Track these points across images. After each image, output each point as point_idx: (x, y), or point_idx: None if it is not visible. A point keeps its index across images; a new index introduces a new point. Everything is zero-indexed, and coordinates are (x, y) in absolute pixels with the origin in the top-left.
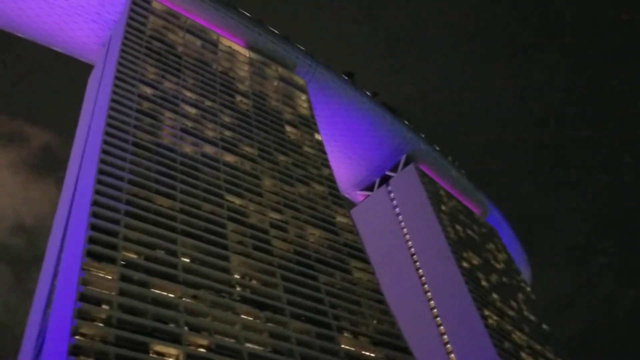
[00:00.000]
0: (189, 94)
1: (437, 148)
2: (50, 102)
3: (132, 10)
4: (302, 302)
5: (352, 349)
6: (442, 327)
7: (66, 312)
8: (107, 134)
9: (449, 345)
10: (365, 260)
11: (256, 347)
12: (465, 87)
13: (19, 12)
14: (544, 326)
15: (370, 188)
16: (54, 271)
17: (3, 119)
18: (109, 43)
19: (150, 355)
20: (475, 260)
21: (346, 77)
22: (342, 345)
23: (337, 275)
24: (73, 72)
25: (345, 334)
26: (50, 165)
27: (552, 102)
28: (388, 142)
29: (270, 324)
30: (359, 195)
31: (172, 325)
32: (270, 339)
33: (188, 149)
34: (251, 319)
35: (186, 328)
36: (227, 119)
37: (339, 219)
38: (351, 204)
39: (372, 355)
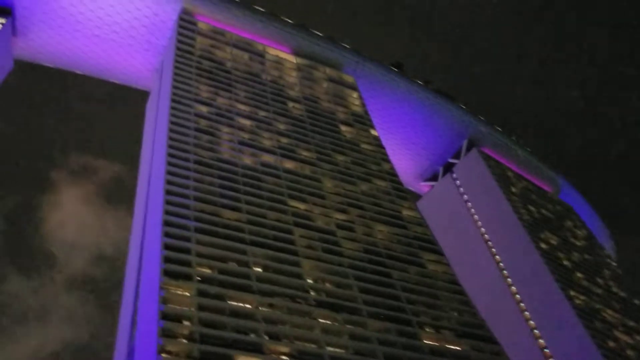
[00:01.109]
0: (242, 106)
1: (499, 129)
2: (115, 134)
3: (179, 34)
4: (378, 300)
5: (436, 343)
6: (526, 313)
7: (151, 332)
8: (170, 155)
9: (536, 331)
10: (438, 252)
11: (337, 350)
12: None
13: (76, 50)
14: (636, 301)
15: (434, 178)
16: (135, 293)
17: (74, 155)
18: (162, 68)
19: None
20: (554, 240)
21: (395, 69)
22: (425, 341)
23: (410, 270)
24: (132, 103)
25: (427, 329)
26: (121, 195)
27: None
28: (447, 128)
29: (349, 326)
30: (423, 187)
31: (252, 335)
32: (351, 340)
33: (248, 160)
34: (329, 322)
35: (266, 337)
36: (282, 127)
37: (406, 212)
38: (416, 196)
39: (457, 348)
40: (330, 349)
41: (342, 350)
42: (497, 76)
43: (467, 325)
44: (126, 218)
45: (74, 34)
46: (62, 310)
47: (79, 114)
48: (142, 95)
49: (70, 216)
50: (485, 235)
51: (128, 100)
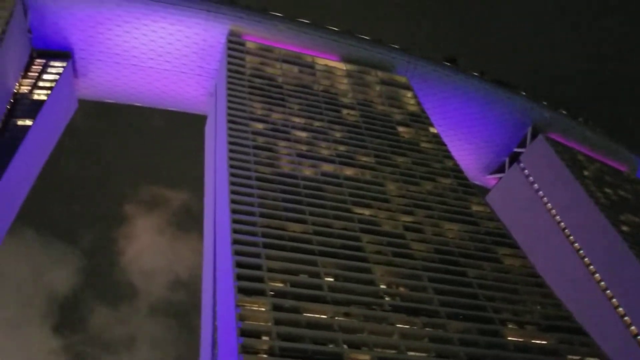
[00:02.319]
0: (297, 119)
1: (564, 112)
2: (178, 162)
3: (229, 55)
4: (455, 300)
5: (520, 339)
6: (614, 300)
7: (232, 349)
8: (232, 174)
9: (626, 318)
10: (514, 246)
11: (418, 354)
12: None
13: (134, 83)
14: None
15: (500, 170)
16: (213, 313)
17: (144, 187)
18: (216, 91)
19: None
20: (636, 221)
21: (448, 63)
22: (509, 338)
23: (486, 267)
24: (191, 130)
25: (510, 326)
26: (191, 220)
27: None
28: (509, 118)
29: (428, 329)
30: (490, 180)
31: (331, 345)
32: (432, 343)
33: (308, 171)
34: (407, 326)
35: (345, 346)
36: (338, 135)
37: (475, 208)
38: (484, 191)
39: (544, 342)
40: (411, 353)
41: (424, 354)
42: (554, 57)
43: (552, 318)
44: (198, 242)
45: (130, 69)
46: (148, 337)
47: (141, 147)
48: (200, 121)
49: (145, 246)
50: (562, 224)
51: (187, 128)
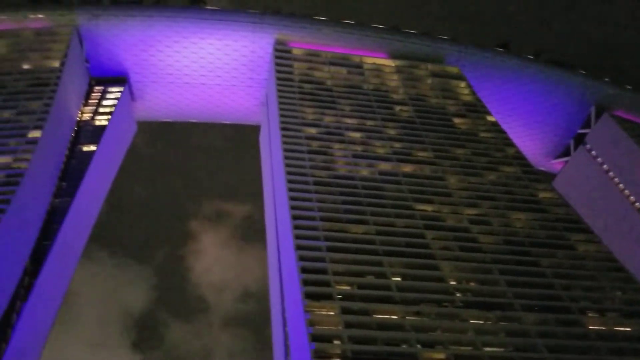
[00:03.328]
0: (350, 120)
1: (629, 87)
2: (237, 175)
3: (277, 64)
4: (529, 292)
5: (602, 327)
6: None
7: (304, 355)
8: (289, 181)
9: None
10: (587, 230)
11: (495, 349)
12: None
13: (188, 101)
14: None
15: (566, 153)
16: (283, 321)
17: (206, 202)
18: (267, 100)
19: None
20: None
21: (501, 49)
22: (590, 327)
23: (559, 255)
24: (247, 142)
25: (590, 314)
26: (255, 231)
27: None
28: (569, 99)
29: (503, 323)
30: (556, 165)
31: (404, 346)
32: (509, 337)
33: (365, 172)
34: (481, 322)
35: (419, 346)
36: (392, 132)
37: (543, 194)
38: (551, 176)
39: (627, 329)
40: (488, 349)
41: (501, 349)
42: (611, 31)
43: (635, 303)
44: (263, 252)
45: (184, 87)
46: (223, 349)
47: (200, 164)
48: (255, 132)
49: (213, 260)
50: (637, 204)
51: (243, 140)
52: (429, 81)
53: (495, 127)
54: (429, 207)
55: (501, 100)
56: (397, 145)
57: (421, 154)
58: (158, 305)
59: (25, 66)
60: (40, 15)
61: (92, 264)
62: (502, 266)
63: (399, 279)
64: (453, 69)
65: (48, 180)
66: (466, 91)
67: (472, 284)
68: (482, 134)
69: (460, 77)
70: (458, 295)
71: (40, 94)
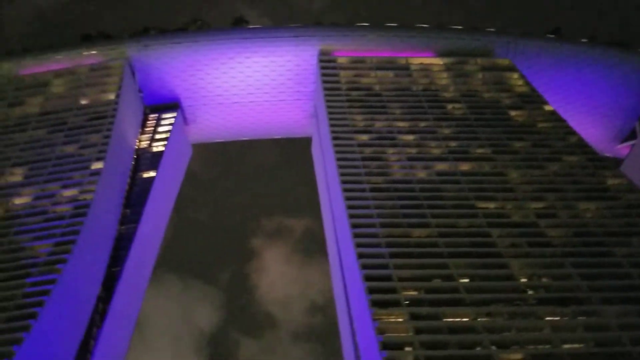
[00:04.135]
0: (401, 123)
1: None
2: (293, 190)
3: (323, 74)
4: (606, 284)
5: None
6: None
7: None
8: (345, 190)
9: None
10: None
11: (575, 345)
12: None
13: (238, 120)
14: None
15: (632, 136)
16: (351, 331)
17: (266, 220)
18: (316, 111)
19: None
20: None
21: (552, 35)
22: None
23: (635, 243)
24: (301, 156)
25: None
26: (316, 244)
27: None
28: (630, 79)
29: (581, 318)
30: (622, 149)
31: (478, 348)
32: (588, 333)
33: (422, 174)
34: (558, 318)
35: (494, 347)
36: (447, 131)
37: (611, 181)
38: (618, 162)
39: None
40: (567, 346)
41: (581, 345)
42: None
43: None
44: (325, 265)
45: (233, 107)
46: None
47: (256, 182)
48: (307, 145)
49: (276, 276)
50: None
51: (296, 154)
52: (480, 76)
53: (554, 116)
54: (491, 205)
55: (558, 89)
56: (452, 144)
57: (478, 150)
58: (228, 323)
59: (83, 101)
60: (93, 52)
61: (162, 287)
62: (575, 259)
63: (466, 280)
64: (504, 61)
65: (113, 209)
66: (520, 82)
67: (544, 279)
68: (541, 125)
69: (512, 69)
70: (530, 292)
71: (99, 127)
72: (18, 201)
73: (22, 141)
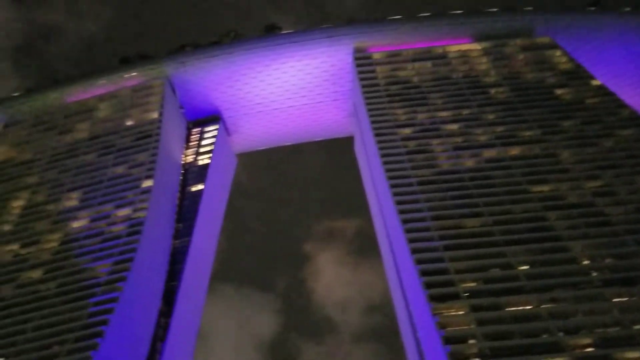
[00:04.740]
0: (444, 113)
1: None
2: (340, 191)
3: (359, 72)
4: None
5: None
6: None
7: (440, 359)
8: (392, 186)
9: None
10: None
11: None
12: None
13: (280, 126)
14: None
15: None
16: (412, 328)
17: (316, 224)
18: (356, 110)
19: None
20: None
21: (592, 8)
22: None
23: None
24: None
25: None
26: (368, 245)
27: None
28: None
29: None
30: None
31: (544, 336)
32: None
33: (470, 163)
34: (625, 299)
35: (561, 333)
36: (491, 117)
37: None
38: None
39: None
40: (637, 327)
41: None
42: None
43: None
44: (380, 264)
45: (273, 113)
46: None
47: (302, 188)
48: (349, 145)
49: (332, 279)
50: None
51: (340, 155)
52: (521, 57)
53: (603, 90)
54: (545, 187)
55: (604, 62)
56: (499, 129)
57: (527, 133)
58: (287, 329)
59: (128, 122)
60: (133, 73)
61: (220, 298)
62: (637, 236)
63: (526, 267)
64: (544, 40)
65: (166, 224)
66: (563, 59)
67: (608, 260)
68: (589, 101)
69: (553, 47)
70: (594, 274)
71: (146, 146)
72: (76, 225)
73: (74, 166)
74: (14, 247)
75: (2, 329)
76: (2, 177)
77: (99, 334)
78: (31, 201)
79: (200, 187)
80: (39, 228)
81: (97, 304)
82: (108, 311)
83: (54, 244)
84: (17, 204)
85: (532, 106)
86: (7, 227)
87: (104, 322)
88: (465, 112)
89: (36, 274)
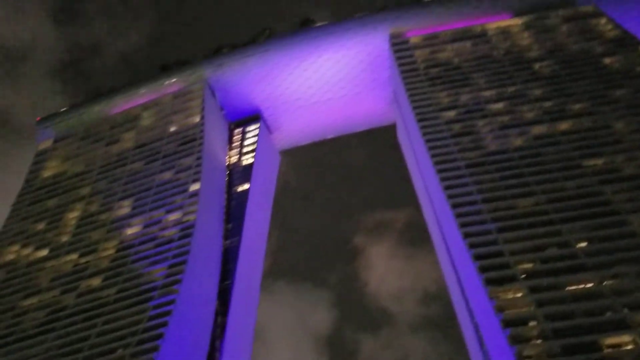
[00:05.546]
0: (488, 93)
1: None
2: (387, 182)
3: (397, 58)
4: None
5: None
6: None
7: (501, 343)
8: (439, 171)
9: None
10: None
11: None
12: None
13: (320, 120)
14: None
15: None
16: (469, 314)
17: (364, 217)
18: (396, 96)
19: (606, 351)
20: None
21: None
22: None
23: None
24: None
25: None
26: (419, 233)
27: None
28: None
29: None
30: None
31: (608, 313)
32: None
33: (518, 141)
34: None
35: (626, 309)
36: (538, 92)
37: None
38: None
39: None
40: None
41: None
42: None
43: None
44: (433, 252)
45: (312, 107)
46: (418, 354)
47: (348, 180)
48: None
49: (385, 270)
50: None
51: (383, 145)
52: (564, 28)
53: None
54: (599, 161)
55: None
56: (546, 104)
57: (576, 106)
58: (343, 323)
59: (172, 128)
60: (173, 80)
61: (273, 295)
62: None
63: (584, 244)
64: (587, 8)
65: (216, 226)
66: (609, 27)
67: None
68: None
69: (598, 15)
70: None
71: (190, 150)
72: (130, 231)
73: (124, 175)
74: (73, 257)
75: (67, 336)
76: (57, 191)
77: (159, 336)
78: (86, 212)
79: (246, 186)
80: (95, 237)
81: (155, 307)
82: (166, 313)
83: (111, 252)
84: (73, 215)
85: (580, 78)
86: (65, 238)
87: (163, 324)
88: (510, 89)
89: (96, 281)
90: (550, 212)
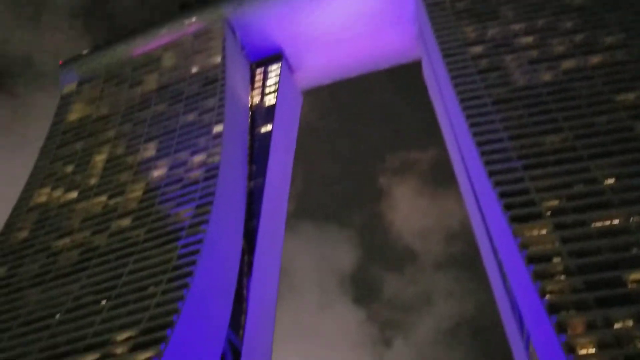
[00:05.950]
0: (517, 26)
1: None
2: (412, 122)
3: None
4: None
5: None
6: None
7: (525, 279)
8: (466, 108)
9: None
10: None
11: None
12: None
13: (343, 58)
14: None
15: None
16: (494, 251)
17: (389, 157)
18: (422, 31)
19: (630, 286)
20: None
21: None
22: None
23: None
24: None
25: None
26: (444, 173)
27: None
28: None
29: None
30: None
31: (634, 250)
32: None
33: (547, 76)
34: None
35: None
36: (569, 24)
37: None
38: None
39: None
40: None
41: None
42: None
43: None
44: (457, 192)
45: (335, 45)
46: (441, 291)
47: (371, 122)
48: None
49: (410, 210)
50: None
51: (406, 85)
52: None
53: None
54: (631, 96)
55: None
56: (577, 37)
57: (608, 39)
58: (368, 261)
59: (194, 69)
60: (193, 19)
61: (299, 236)
62: None
63: (612, 180)
64: None
65: (240, 166)
66: None
67: None
68: None
69: None
70: None
71: (213, 91)
72: (156, 173)
73: (148, 117)
74: (103, 198)
75: (101, 274)
76: (83, 134)
77: (189, 274)
78: (112, 154)
79: (269, 127)
80: (122, 179)
81: (184, 246)
82: (195, 252)
83: (139, 193)
84: (100, 157)
85: (613, 8)
86: (93, 181)
87: (192, 262)
88: (540, 22)
89: (125, 222)
90: (579, 148)
